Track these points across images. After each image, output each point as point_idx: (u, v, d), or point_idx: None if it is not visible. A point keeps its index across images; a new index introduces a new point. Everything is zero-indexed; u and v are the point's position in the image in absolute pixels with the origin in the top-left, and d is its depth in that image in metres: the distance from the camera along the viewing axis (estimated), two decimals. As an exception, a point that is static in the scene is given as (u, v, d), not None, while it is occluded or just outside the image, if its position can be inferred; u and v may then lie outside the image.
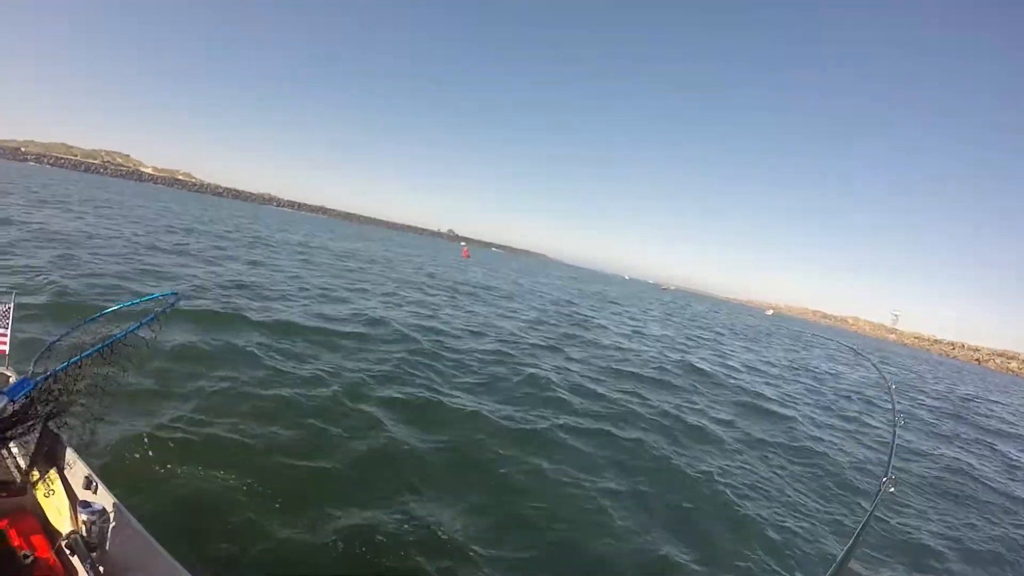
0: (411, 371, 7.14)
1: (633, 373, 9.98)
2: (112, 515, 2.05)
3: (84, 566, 1.93)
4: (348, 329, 8.96)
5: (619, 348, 12.84)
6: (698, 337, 20.94)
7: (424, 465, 4.66)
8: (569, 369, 9.23)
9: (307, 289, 12.39)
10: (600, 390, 8.16)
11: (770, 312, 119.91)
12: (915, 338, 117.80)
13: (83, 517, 1.97)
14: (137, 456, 3.83)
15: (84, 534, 1.99)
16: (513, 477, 4.75)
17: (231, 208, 60.48)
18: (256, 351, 6.63)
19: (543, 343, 11.31)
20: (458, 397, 6.49)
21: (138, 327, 2.19)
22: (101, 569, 1.95)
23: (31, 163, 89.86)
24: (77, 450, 2.29)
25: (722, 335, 24.73)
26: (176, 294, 2.52)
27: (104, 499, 2.14)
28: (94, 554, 1.98)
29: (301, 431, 4.76)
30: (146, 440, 3.98)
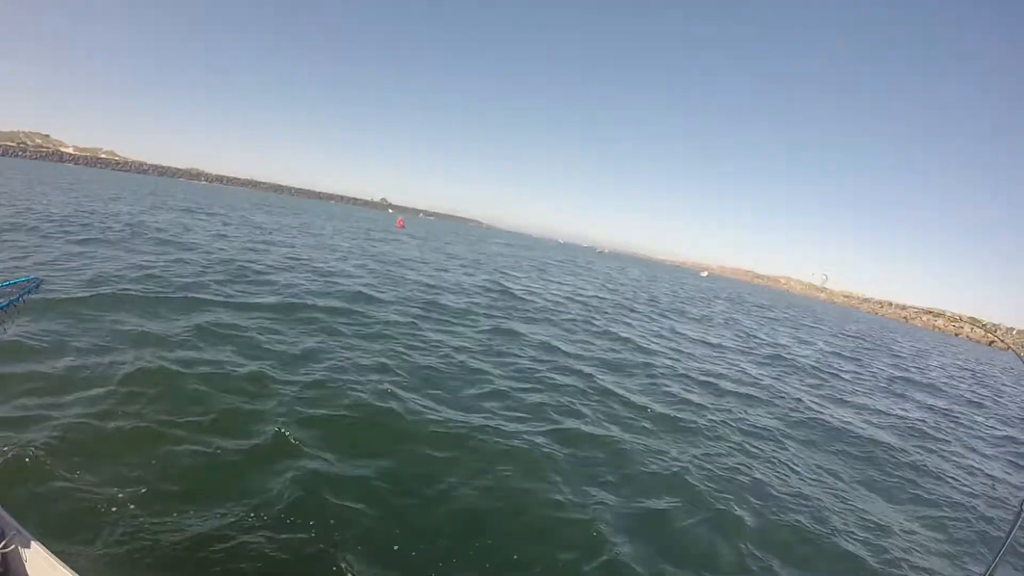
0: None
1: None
2: (14, 538, 1.94)
3: None
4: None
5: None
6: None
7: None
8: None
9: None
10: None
11: (705, 274, 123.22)
12: (844, 296, 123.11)
13: None
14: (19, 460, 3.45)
15: None
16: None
17: (136, 183, 56.32)
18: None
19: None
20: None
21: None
22: None
23: None
24: None
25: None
26: (36, 280, 2.41)
27: (4, 522, 2.03)
28: None
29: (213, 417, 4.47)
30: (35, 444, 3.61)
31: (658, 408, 6.96)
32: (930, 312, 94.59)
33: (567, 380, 7.37)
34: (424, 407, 5.45)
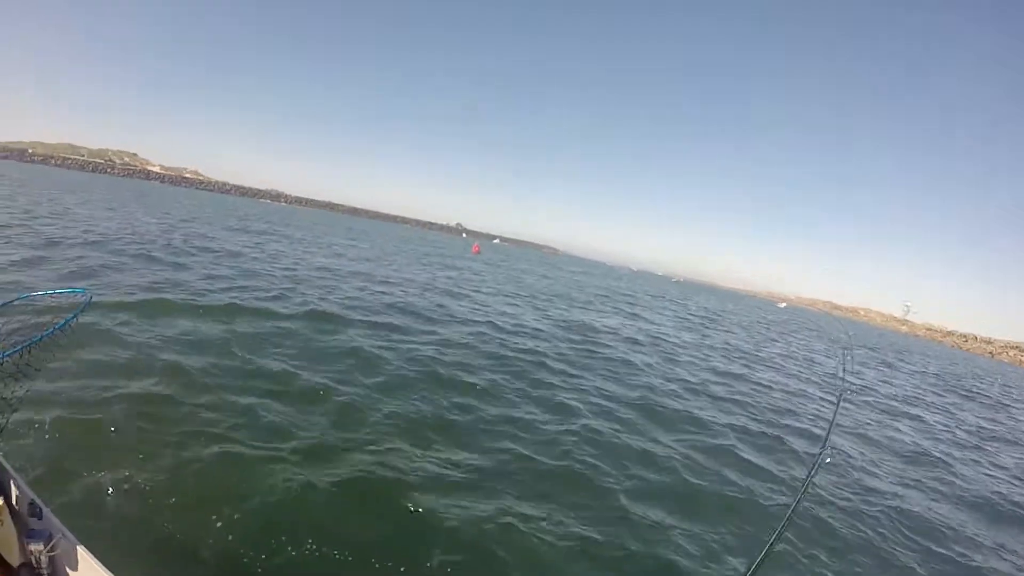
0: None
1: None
2: (59, 542, 2.00)
3: None
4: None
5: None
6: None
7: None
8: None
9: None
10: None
11: (783, 305, 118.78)
12: (927, 330, 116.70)
13: (31, 547, 1.91)
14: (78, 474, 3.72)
15: (34, 565, 1.93)
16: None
17: (238, 205, 59.48)
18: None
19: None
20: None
21: (52, 332, 2.09)
22: None
23: (38, 164, 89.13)
24: (18, 471, 2.17)
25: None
26: (87, 293, 2.39)
27: (51, 525, 2.07)
28: None
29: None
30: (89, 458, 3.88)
31: None
32: (1017, 347, 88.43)
33: None
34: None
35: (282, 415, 5.21)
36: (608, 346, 12.51)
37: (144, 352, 6.10)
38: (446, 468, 4.83)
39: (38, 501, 2.10)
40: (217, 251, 15.94)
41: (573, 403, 7.39)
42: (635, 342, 14.25)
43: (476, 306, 14.87)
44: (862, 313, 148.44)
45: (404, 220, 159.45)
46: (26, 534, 1.95)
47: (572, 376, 8.92)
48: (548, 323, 14.35)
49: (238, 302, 9.27)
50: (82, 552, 2.03)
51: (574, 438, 6.08)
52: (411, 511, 4.03)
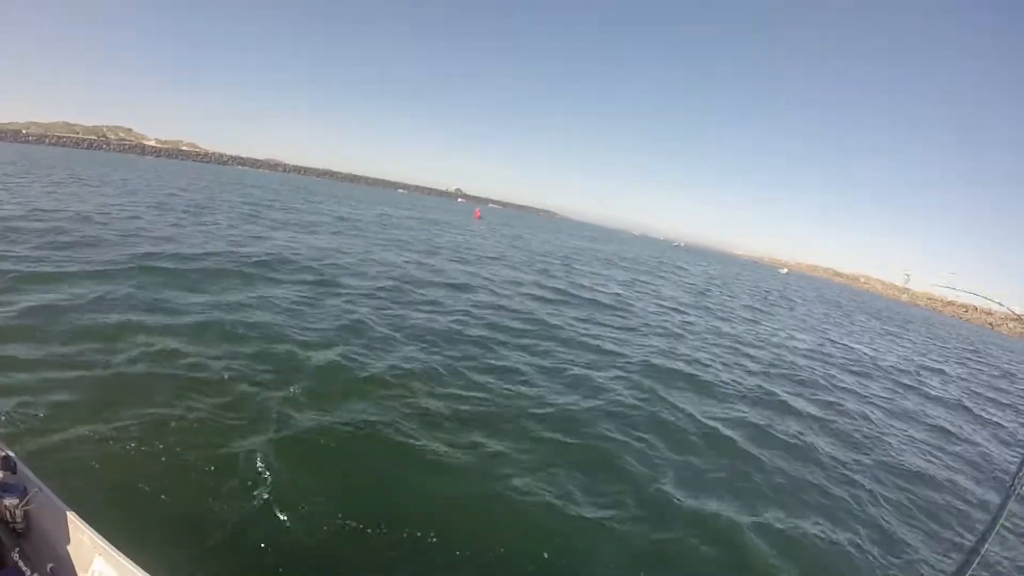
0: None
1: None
2: (36, 496, 1.94)
3: (12, 555, 1.83)
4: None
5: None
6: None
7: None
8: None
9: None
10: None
11: (784, 271, 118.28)
12: (928, 299, 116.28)
13: (6, 502, 1.86)
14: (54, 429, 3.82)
15: (9, 520, 1.89)
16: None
17: (234, 176, 58.84)
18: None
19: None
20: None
21: None
22: (30, 556, 1.86)
23: (32, 143, 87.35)
24: None
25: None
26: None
27: (26, 479, 2.02)
28: (22, 541, 1.90)
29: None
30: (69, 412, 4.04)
31: None
32: (1019, 319, 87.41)
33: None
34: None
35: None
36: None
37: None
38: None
39: (11, 455, 2.02)
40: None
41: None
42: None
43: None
44: (863, 281, 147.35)
45: (403, 186, 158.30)
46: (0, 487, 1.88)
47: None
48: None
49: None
50: (60, 506, 1.97)
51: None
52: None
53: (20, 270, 7.56)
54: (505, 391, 6.11)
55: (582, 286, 15.93)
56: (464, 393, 5.80)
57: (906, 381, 12.14)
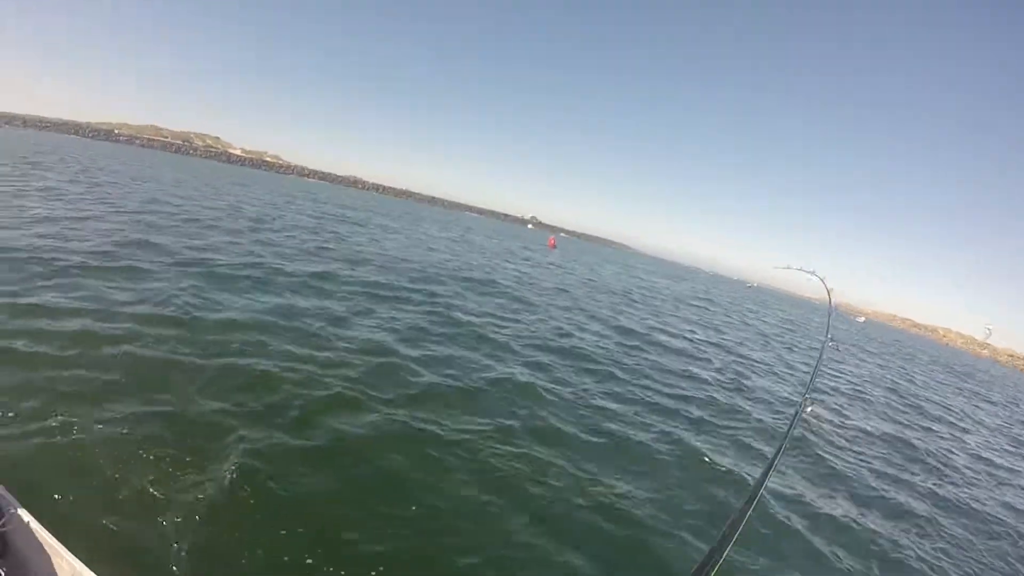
0: None
1: None
2: (12, 518, 1.96)
3: None
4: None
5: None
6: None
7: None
8: None
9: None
10: None
11: (862, 320, 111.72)
12: (1009, 356, 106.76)
13: None
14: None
15: None
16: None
17: (316, 190, 61.19)
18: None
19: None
20: None
21: None
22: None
23: (122, 143, 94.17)
24: None
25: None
26: None
27: (2, 500, 2.04)
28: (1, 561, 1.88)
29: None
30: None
31: None
32: None
33: None
34: None
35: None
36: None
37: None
38: None
39: None
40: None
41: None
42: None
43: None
44: (941, 333, 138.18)
45: (479, 210, 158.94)
46: None
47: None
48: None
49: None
50: (38, 528, 1.96)
51: None
52: None
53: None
54: None
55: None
56: None
57: None
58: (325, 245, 15.01)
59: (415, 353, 6.91)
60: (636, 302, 19.91)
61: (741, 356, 13.23)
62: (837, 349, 19.40)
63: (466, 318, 9.48)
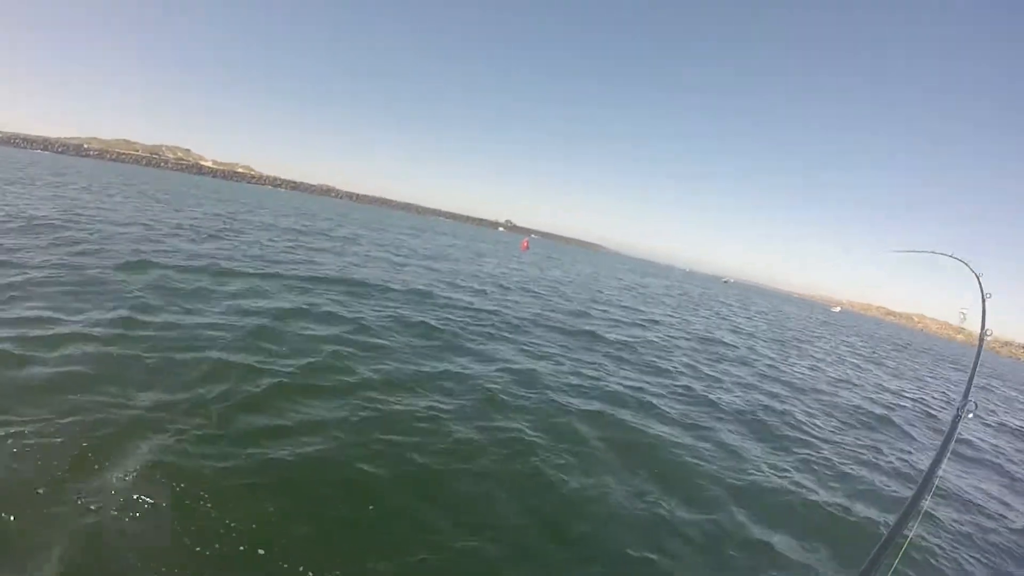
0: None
1: None
2: None
3: None
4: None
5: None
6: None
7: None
8: None
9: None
10: None
11: (837, 309, 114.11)
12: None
13: None
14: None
15: None
16: None
17: (287, 200, 59.87)
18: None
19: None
20: None
21: None
22: None
23: (92, 158, 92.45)
24: None
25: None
26: None
27: None
28: None
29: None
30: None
31: None
32: None
33: None
34: None
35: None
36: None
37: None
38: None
39: None
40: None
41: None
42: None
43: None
44: (916, 320, 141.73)
45: (453, 216, 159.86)
46: None
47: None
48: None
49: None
50: None
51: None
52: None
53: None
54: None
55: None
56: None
57: None
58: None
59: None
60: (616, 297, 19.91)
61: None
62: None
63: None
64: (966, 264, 5.13)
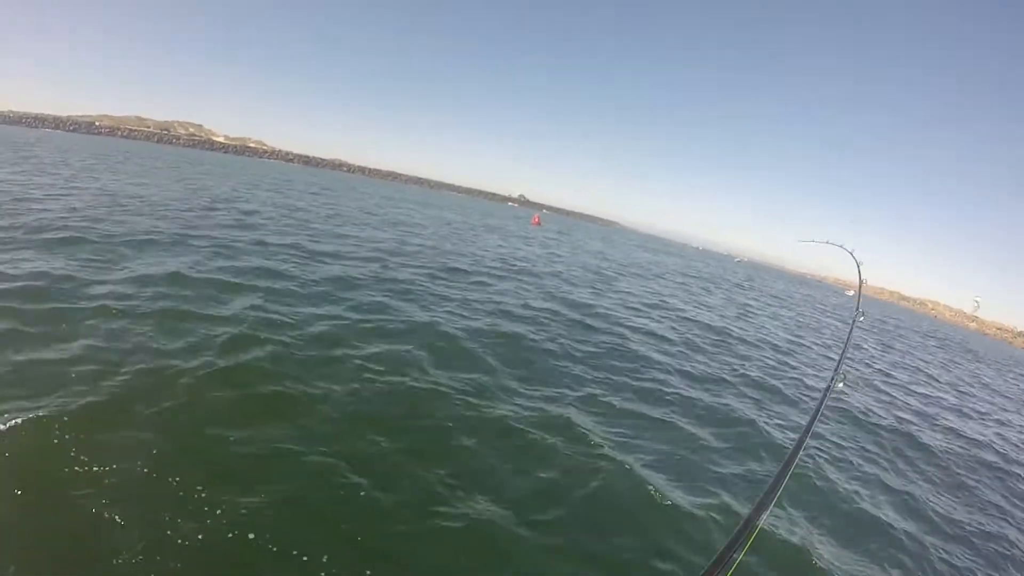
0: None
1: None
2: None
3: None
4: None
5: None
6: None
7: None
8: None
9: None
10: None
11: (850, 293, 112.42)
12: (997, 329, 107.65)
13: None
14: None
15: None
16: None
17: (305, 175, 60.03)
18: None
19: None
20: None
21: None
22: None
23: (104, 135, 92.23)
24: None
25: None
26: None
27: None
28: None
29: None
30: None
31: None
32: None
33: None
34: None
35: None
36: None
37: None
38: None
39: None
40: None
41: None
42: None
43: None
44: (930, 306, 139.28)
45: (465, 190, 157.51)
46: None
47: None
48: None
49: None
50: None
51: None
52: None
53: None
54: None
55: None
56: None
57: None
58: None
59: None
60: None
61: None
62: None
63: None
64: (850, 253, 6.82)
